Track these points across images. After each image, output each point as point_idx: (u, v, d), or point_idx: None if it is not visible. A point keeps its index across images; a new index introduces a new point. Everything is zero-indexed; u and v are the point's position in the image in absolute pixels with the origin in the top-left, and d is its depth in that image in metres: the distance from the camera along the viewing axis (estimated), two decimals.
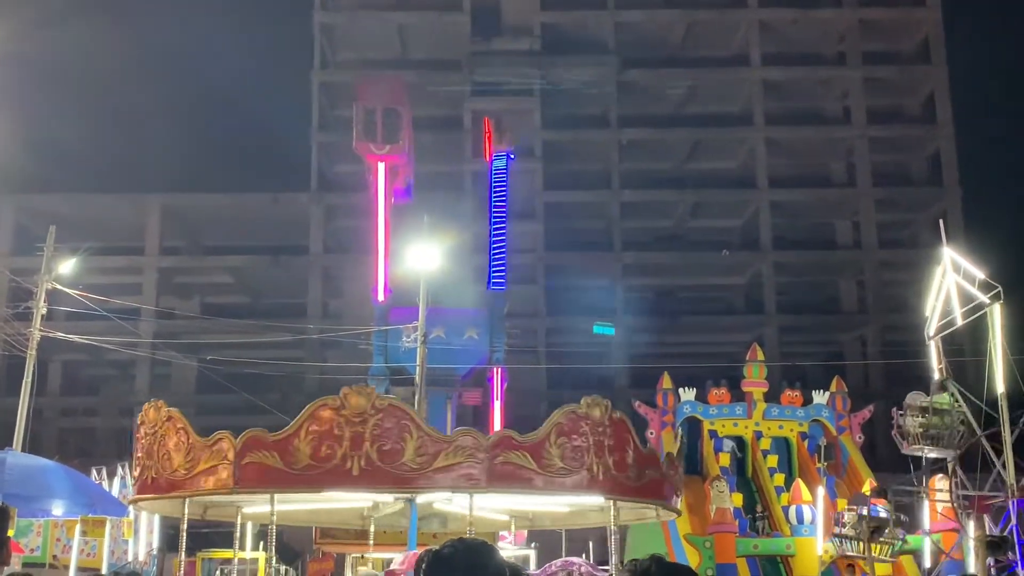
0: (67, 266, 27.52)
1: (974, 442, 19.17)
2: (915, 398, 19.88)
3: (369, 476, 10.92)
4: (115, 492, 22.50)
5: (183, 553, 12.52)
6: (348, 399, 11.08)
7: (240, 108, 60.45)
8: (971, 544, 18.43)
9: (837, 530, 19.85)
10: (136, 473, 12.13)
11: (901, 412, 19.98)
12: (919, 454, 19.84)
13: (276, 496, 11.97)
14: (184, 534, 12.31)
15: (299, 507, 14.30)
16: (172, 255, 54.04)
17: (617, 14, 55.75)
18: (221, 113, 62.97)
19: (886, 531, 18.67)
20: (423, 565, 2.87)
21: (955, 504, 19.12)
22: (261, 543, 27.60)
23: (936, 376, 20.57)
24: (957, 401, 19.77)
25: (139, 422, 12.03)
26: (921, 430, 19.31)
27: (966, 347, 28.42)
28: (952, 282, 20.31)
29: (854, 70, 55.34)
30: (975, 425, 19.26)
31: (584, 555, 23.50)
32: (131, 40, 62.23)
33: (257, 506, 13.74)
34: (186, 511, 12.38)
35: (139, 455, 12.34)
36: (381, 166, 37.08)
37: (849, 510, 19.63)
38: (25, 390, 24.44)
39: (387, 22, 55.85)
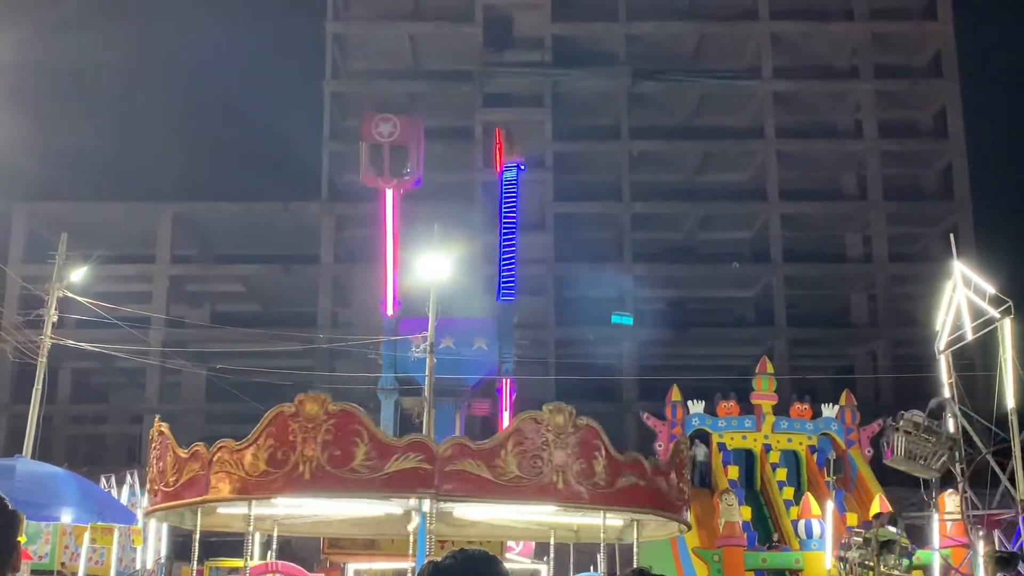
0: (78, 274, 27.63)
1: (981, 459, 19.08)
2: (912, 415, 19.81)
3: (319, 480, 10.98)
4: (124, 500, 22.54)
5: (195, 563, 12.53)
6: (303, 405, 11.17)
7: (252, 117, 60.66)
8: (980, 560, 18.33)
9: (840, 553, 19.74)
10: (147, 487, 12.26)
11: (893, 424, 19.93)
12: (898, 468, 19.82)
13: (300, 502, 12.15)
14: (196, 543, 12.33)
15: (325, 515, 14.26)
16: (183, 263, 54.19)
17: (629, 26, 55.84)
18: (232, 122, 63.19)
19: (895, 549, 18.58)
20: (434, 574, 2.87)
21: (965, 520, 19.05)
22: (269, 553, 27.61)
23: (945, 392, 20.49)
24: (956, 419, 19.67)
25: (149, 439, 12.15)
26: (909, 446, 19.23)
27: (976, 361, 28.30)
28: (963, 296, 20.26)
29: (866, 83, 55.30)
30: (980, 443, 19.18)
31: (592, 568, 23.43)
32: (143, 48, 62.57)
33: (293, 518, 13.86)
34: (198, 521, 12.41)
35: (149, 470, 12.51)
36: (389, 192, 37.14)
37: (856, 534, 19.51)
38: (35, 397, 24.53)
39: (399, 32, 56.04)
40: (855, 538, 19.22)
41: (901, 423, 19.51)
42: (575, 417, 11.48)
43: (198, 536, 12.45)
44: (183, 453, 11.86)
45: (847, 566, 19.02)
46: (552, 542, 15.49)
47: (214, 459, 11.44)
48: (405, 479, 10.97)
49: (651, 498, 12.07)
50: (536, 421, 11.36)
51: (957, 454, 19.16)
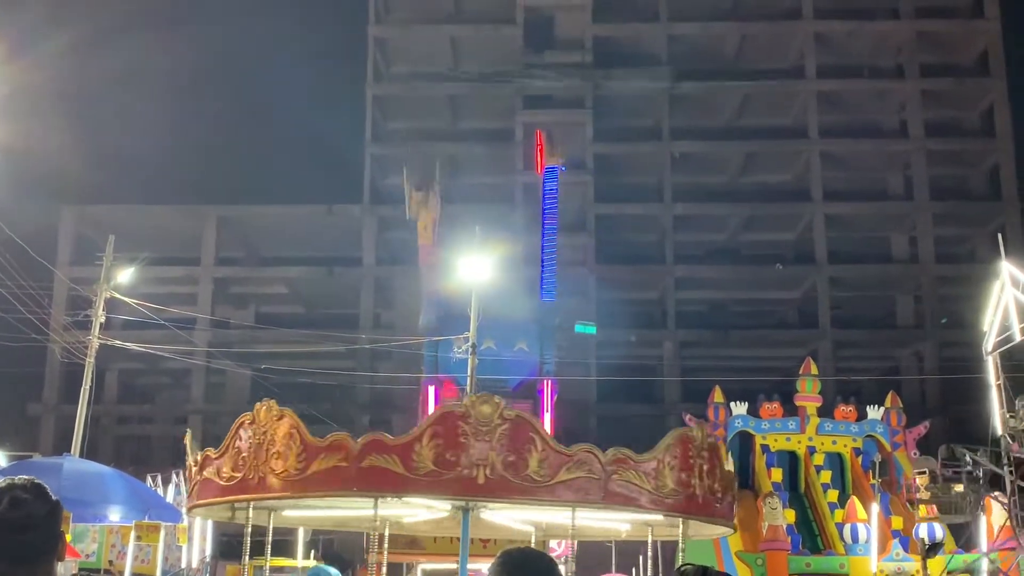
0: (125, 276, 28.00)
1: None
2: (924, 464, 19.64)
3: (493, 485, 10.84)
4: (169, 499, 22.79)
5: (246, 557, 12.60)
6: (475, 407, 10.96)
7: (295, 120, 61.22)
8: None
9: (914, 496, 19.61)
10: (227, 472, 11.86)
11: (1012, 414, 19.73)
12: (931, 521, 19.62)
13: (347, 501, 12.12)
14: (248, 539, 12.38)
15: (386, 512, 14.16)
16: (228, 266, 54.73)
17: (670, 26, 55.65)
18: (276, 125, 63.79)
19: (941, 550, 18.40)
20: (502, 566, 2.95)
21: (1014, 522, 18.78)
22: (312, 552, 27.83)
23: (996, 389, 20.20)
24: (971, 458, 19.46)
25: (246, 421, 11.84)
26: (933, 499, 19.06)
27: None
28: (1011, 297, 19.99)
29: (911, 82, 54.71)
30: (1000, 471, 18.94)
31: (633, 570, 23.39)
32: (189, 53, 63.25)
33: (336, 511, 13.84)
34: (250, 515, 12.40)
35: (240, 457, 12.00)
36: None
37: (919, 473, 19.35)
38: (83, 397, 24.88)
39: (440, 35, 56.26)
40: (920, 476, 19.14)
41: (917, 478, 19.41)
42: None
43: (249, 532, 12.51)
44: (318, 442, 11.44)
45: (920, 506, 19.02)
46: (571, 541, 15.37)
47: (363, 451, 11.05)
48: (575, 488, 10.88)
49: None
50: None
51: (983, 488, 19.02)
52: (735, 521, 13.61)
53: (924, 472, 19.38)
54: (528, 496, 10.87)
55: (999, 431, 19.54)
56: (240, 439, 11.69)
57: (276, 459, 11.23)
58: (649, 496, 11.01)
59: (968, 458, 19.34)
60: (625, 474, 10.85)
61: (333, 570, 13.03)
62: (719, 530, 13.21)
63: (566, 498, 10.88)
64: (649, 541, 13.61)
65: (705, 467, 11.40)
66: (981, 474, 19.11)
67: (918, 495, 19.30)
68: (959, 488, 18.89)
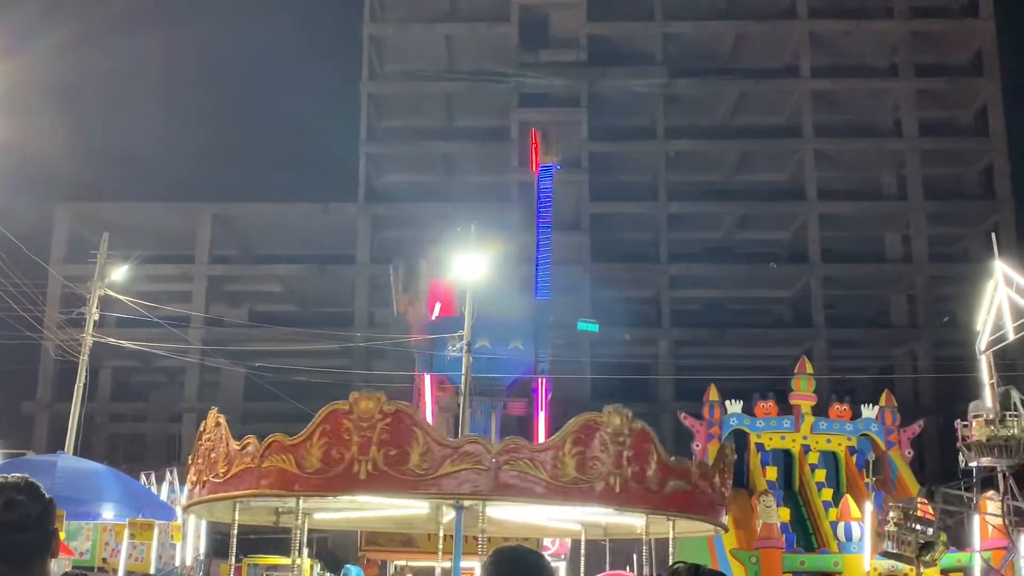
0: (119, 273, 27.94)
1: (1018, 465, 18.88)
2: (978, 407, 19.62)
3: (375, 480, 11.02)
4: (163, 496, 22.77)
5: (232, 558, 12.63)
6: (358, 403, 11.17)
7: (290, 118, 61.13)
8: (1022, 561, 18.11)
9: (882, 529, 19.67)
10: (191, 478, 12.37)
11: (965, 423, 19.74)
12: (987, 464, 19.55)
13: (342, 502, 12.22)
14: (235, 539, 12.43)
15: (369, 513, 14.33)
16: (222, 263, 54.67)
17: (665, 25, 55.67)
18: (271, 123, 63.71)
19: (935, 548, 18.44)
20: (495, 564, 2.92)
21: (1006, 521, 18.82)
22: (307, 549, 27.79)
23: (989, 388, 20.26)
24: (948, 502, 19.52)
25: (201, 430, 12.21)
26: (986, 441, 19.05)
27: (1018, 361, 27.95)
28: (1004, 296, 20.04)
29: (906, 82, 54.78)
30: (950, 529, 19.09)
31: (628, 568, 23.37)
32: (184, 50, 63.14)
33: (325, 512, 13.93)
34: (236, 516, 12.49)
35: (196, 461, 12.61)
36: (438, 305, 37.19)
37: (894, 507, 19.40)
38: (77, 395, 24.84)
39: (435, 33, 56.23)
40: (894, 511, 19.21)
41: (973, 420, 19.42)
42: (631, 420, 11.40)
43: (235, 532, 12.54)
44: (236, 445, 11.87)
45: (890, 541, 19.03)
46: (583, 540, 15.42)
47: (265, 453, 11.44)
48: (459, 480, 10.94)
49: (695, 502, 11.95)
50: (595, 423, 11.30)
51: (949, 527, 19.16)
52: (725, 519, 13.57)
53: (898, 507, 19.51)
54: (411, 490, 11.00)
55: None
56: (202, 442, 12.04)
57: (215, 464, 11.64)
58: (547, 485, 10.96)
59: (938, 498, 19.44)
60: (517, 464, 10.86)
61: (355, 568, 13.25)
62: (661, 522, 12.93)
63: (452, 490, 10.98)
64: (605, 539, 13.60)
65: (628, 454, 11.27)
66: (949, 520, 19.33)
67: (887, 527, 19.43)
68: (1015, 432, 18.94)
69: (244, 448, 11.70)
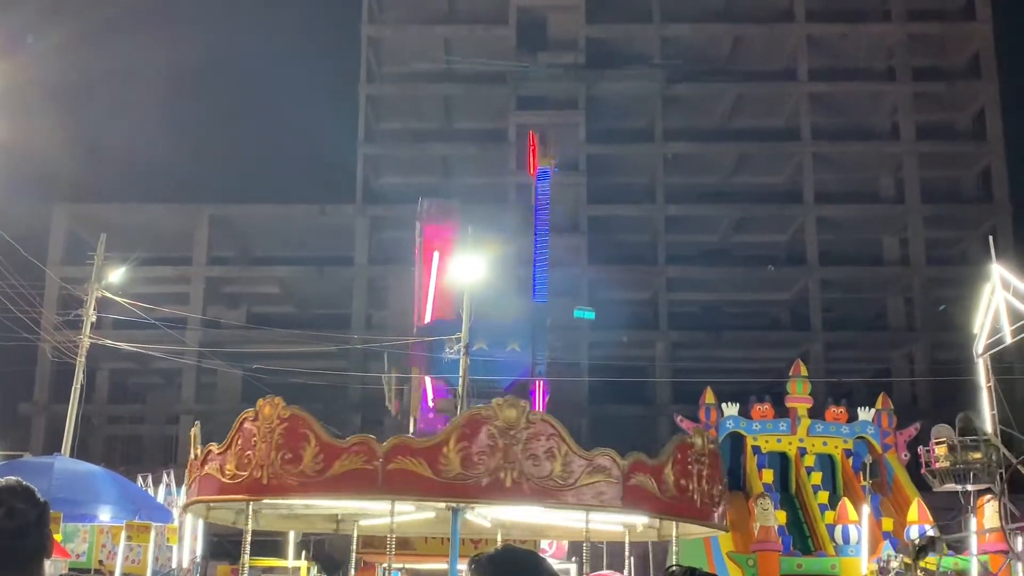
0: (116, 275, 27.93)
1: (1014, 467, 18.87)
2: (940, 431, 19.60)
3: (276, 484, 11.46)
4: (160, 499, 22.74)
5: (246, 556, 12.63)
6: (261, 410, 11.56)
7: (288, 120, 61.05)
8: (1020, 566, 18.12)
9: (934, 467, 19.56)
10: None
11: (927, 449, 19.77)
12: (951, 490, 19.57)
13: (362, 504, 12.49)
14: (248, 540, 12.44)
15: (400, 519, 14.39)
16: (220, 265, 54.65)
17: (663, 27, 55.72)
18: (269, 124, 63.64)
19: (937, 547, 18.47)
20: (482, 565, 2.91)
21: (1004, 527, 18.83)
22: (304, 552, 27.79)
23: (987, 391, 20.26)
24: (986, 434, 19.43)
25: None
26: (948, 466, 19.03)
27: (1015, 365, 28.00)
28: (1001, 299, 20.05)
29: (903, 85, 54.84)
30: (1008, 455, 18.97)
31: (624, 570, 23.36)
32: (181, 51, 63.10)
33: (367, 519, 14.24)
34: (249, 518, 12.52)
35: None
36: (436, 255, 37.19)
37: (938, 442, 19.34)
38: (74, 397, 24.83)
39: (433, 35, 56.27)
40: (937, 448, 19.13)
41: (934, 445, 19.37)
42: (529, 412, 11.26)
43: (250, 534, 12.54)
44: (199, 453, 12.42)
45: (939, 478, 18.99)
46: (586, 542, 15.38)
47: (206, 460, 11.98)
48: (351, 479, 11.16)
49: (626, 497, 11.62)
50: (480, 416, 11.21)
51: (995, 459, 18.97)
52: (721, 520, 13.52)
53: (943, 441, 19.33)
54: (303, 492, 11.27)
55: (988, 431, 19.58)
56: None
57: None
58: (430, 482, 11.04)
59: (978, 426, 19.37)
60: (403, 461, 10.96)
61: None
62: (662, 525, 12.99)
63: (344, 491, 11.13)
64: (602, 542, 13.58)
65: (525, 446, 11.26)
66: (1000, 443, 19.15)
67: (937, 464, 19.25)
68: (977, 456, 18.88)
69: (207, 456, 12.18)
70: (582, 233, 52.90)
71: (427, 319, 35.42)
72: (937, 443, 19.43)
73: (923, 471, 19.93)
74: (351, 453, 11.01)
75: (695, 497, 12.08)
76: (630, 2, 55.50)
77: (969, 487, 19.26)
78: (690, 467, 11.87)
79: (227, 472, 11.57)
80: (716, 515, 12.66)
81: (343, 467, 10.99)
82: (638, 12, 55.65)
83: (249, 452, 11.37)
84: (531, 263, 37.86)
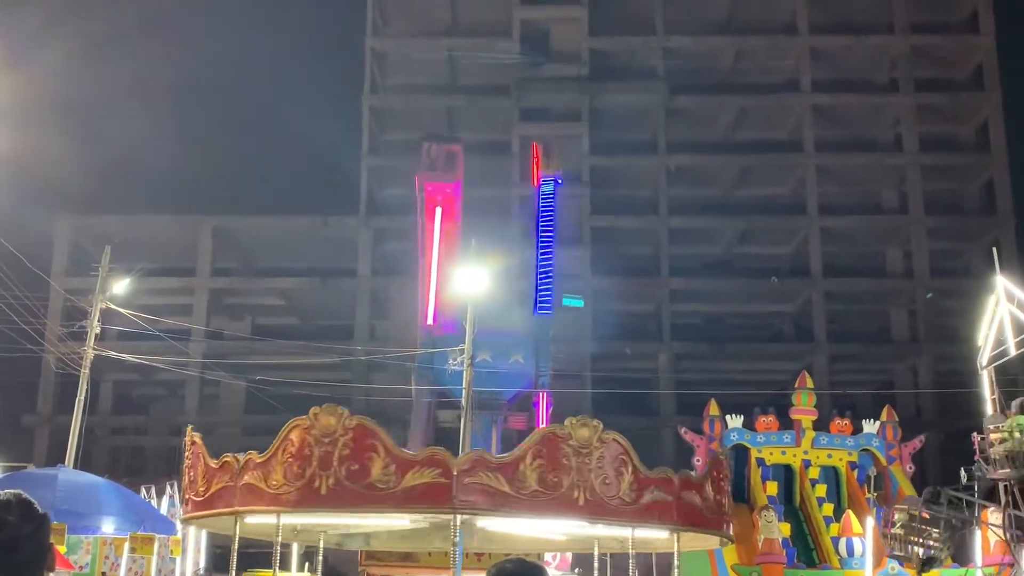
0: (121, 286, 27.97)
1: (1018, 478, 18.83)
2: (993, 421, 19.59)
3: (336, 495, 11.05)
4: (163, 510, 22.73)
5: (233, 572, 12.60)
6: (318, 419, 11.25)
7: (292, 131, 61.23)
8: None
9: (888, 531, 19.62)
10: (182, 494, 12.46)
11: (983, 436, 19.69)
12: (1000, 477, 19.49)
13: (357, 515, 12.32)
14: (235, 553, 12.42)
15: (390, 527, 14.37)
16: (223, 276, 54.68)
17: (666, 40, 55.81)
18: (273, 136, 63.81)
19: (939, 524, 18.45)
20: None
21: (1008, 536, 18.78)
22: (307, 564, 27.74)
23: (991, 403, 20.23)
24: (955, 505, 19.44)
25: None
26: (1005, 454, 18.99)
27: (1019, 377, 27.93)
28: (1005, 311, 20.03)
29: (906, 97, 54.88)
30: (958, 517, 19.01)
31: None
32: (186, 63, 63.29)
33: (346, 528, 14.05)
34: (236, 531, 12.49)
35: (184, 477, 12.74)
36: (439, 212, 37.31)
37: (899, 509, 19.34)
38: (78, 408, 24.84)
39: (437, 48, 56.39)
40: (898, 514, 19.11)
41: (988, 434, 19.37)
42: (600, 432, 11.46)
43: (237, 546, 12.52)
44: (214, 464, 12.01)
45: (897, 543, 18.94)
46: (596, 553, 15.40)
47: (243, 470, 11.55)
48: (423, 494, 11.01)
49: (672, 515, 11.94)
50: (555, 436, 11.36)
51: (953, 538, 19.08)
52: (730, 530, 13.55)
53: (903, 509, 19.46)
54: (375, 505, 11.10)
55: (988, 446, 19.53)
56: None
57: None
58: (507, 497, 11.03)
59: (944, 500, 19.35)
60: (481, 476, 10.95)
61: None
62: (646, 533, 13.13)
63: (415, 504, 11.12)
64: (594, 551, 13.57)
65: (596, 464, 11.38)
66: (956, 523, 19.22)
67: (892, 530, 19.35)
68: (935, 532, 18.88)
69: (222, 466, 11.83)
70: (585, 245, 52.92)
71: (430, 303, 35.42)
72: (898, 510, 19.57)
73: (976, 457, 19.88)
74: (424, 466, 10.94)
75: (727, 511, 12.75)
76: (633, 14, 55.61)
77: (1018, 473, 19.19)
78: (723, 483, 12.47)
79: (273, 482, 11.30)
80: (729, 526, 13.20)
81: (415, 480, 10.91)
82: (641, 24, 55.76)
83: (303, 462, 11.12)
84: (534, 275, 37.87)
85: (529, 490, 10.91)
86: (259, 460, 11.40)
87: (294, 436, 11.23)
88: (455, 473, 10.87)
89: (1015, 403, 19.95)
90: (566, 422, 11.40)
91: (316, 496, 10.98)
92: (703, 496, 12.34)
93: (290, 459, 11.12)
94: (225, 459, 11.85)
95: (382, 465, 10.87)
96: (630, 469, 11.35)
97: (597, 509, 11.19)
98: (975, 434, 20.21)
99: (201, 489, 12.22)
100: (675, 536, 12.52)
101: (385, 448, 11.01)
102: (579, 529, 13.83)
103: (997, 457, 19.15)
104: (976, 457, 19.90)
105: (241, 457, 11.66)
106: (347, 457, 10.92)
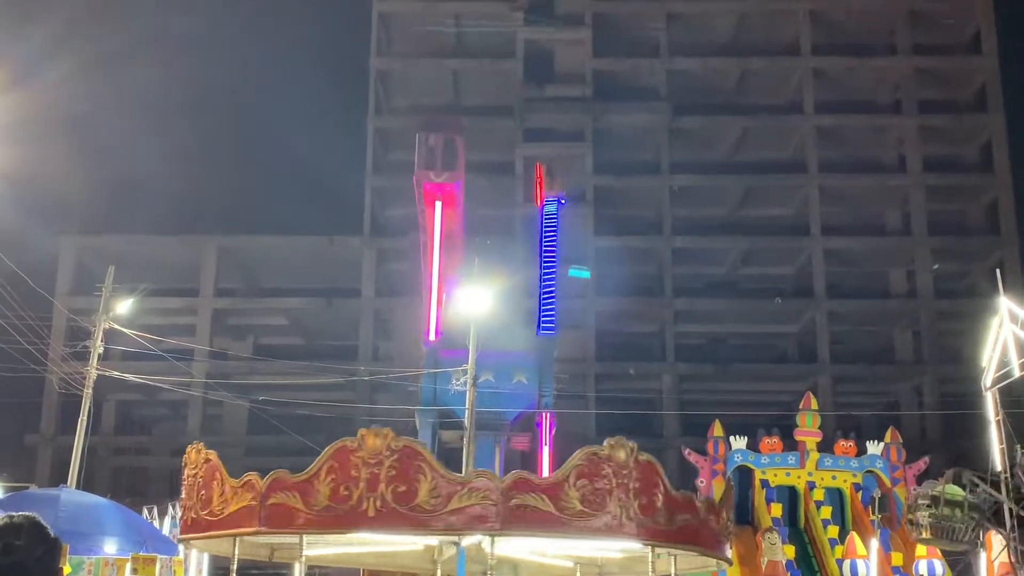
0: (124, 306, 28.00)
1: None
2: (927, 487, 19.45)
3: (384, 517, 10.99)
4: (166, 531, 22.67)
5: None
6: (365, 440, 11.21)
7: (296, 152, 61.44)
8: None
9: (909, 516, 19.42)
10: (181, 513, 12.38)
11: (912, 503, 19.61)
12: (931, 545, 19.41)
13: (338, 538, 12.18)
14: (234, 574, 12.36)
15: (362, 549, 14.30)
16: (227, 296, 54.72)
17: (669, 61, 56.00)
18: (277, 156, 64.01)
19: (964, 507, 18.28)
20: None
21: (1013, 560, 18.65)
22: None
23: (995, 425, 20.13)
24: (974, 489, 19.21)
25: (183, 463, 12.21)
26: (932, 521, 18.85)
27: None
28: (1009, 332, 19.95)
29: (909, 118, 54.98)
30: (995, 494, 18.80)
31: None
32: (190, 83, 63.56)
33: (320, 548, 13.85)
34: (235, 551, 12.42)
35: (183, 496, 12.66)
36: (438, 205, 37.34)
37: (921, 496, 19.16)
38: (80, 428, 24.81)
39: (441, 68, 56.60)
40: (920, 500, 18.91)
41: (918, 499, 19.20)
42: (636, 452, 11.50)
43: (235, 566, 12.46)
44: (235, 483, 11.83)
45: (918, 529, 18.76)
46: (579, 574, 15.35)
47: (269, 490, 11.40)
48: (467, 514, 10.95)
49: (699, 537, 12.08)
50: (597, 456, 11.38)
51: (986, 521, 18.80)
52: (730, 553, 13.54)
53: (927, 493, 19.19)
54: (420, 527, 11.04)
55: (998, 467, 19.42)
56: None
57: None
58: (551, 518, 10.99)
59: (967, 481, 19.15)
60: (526, 498, 10.92)
61: None
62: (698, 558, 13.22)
63: (460, 526, 11.01)
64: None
65: (634, 486, 11.37)
66: (981, 502, 18.92)
67: (918, 513, 19.09)
68: (959, 514, 18.67)
69: (244, 484, 11.67)
70: (589, 265, 52.89)
71: (431, 316, 35.33)
72: (921, 496, 19.33)
73: (903, 521, 19.78)
74: (470, 489, 10.94)
75: (732, 532, 13.05)
76: (637, 36, 55.83)
77: (948, 547, 19.07)
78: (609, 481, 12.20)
79: (315, 504, 11.29)
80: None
81: (461, 502, 10.92)
82: (645, 46, 55.96)
83: (349, 483, 11.10)
84: (537, 295, 37.85)
85: (574, 511, 10.94)
86: (294, 480, 11.33)
87: (340, 457, 11.20)
88: (501, 495, 10.85)
89: (947, 473, 19.68)
90: (605, 443, 11.43)
91: (363, 518, 10.91)
92: (719, 520, 12.46)
93: (334, 480, 11.09)
94: (248, 478, 11.74)
95: (429, 487, 10.87)
96: (661, 491, 11.39)
97: (641, 531, 11.24)
98: (906, 499, 20.09)
99: (217, 508, 12.00)
100: (672, 559, 12.52)
101: (432, 469, 11.00)
102: (598, 552, 13.82)
103: (924, 524, 18.96)
104: (903, 521, 19.77)
105: (264, 477, 11.60)
106: (394, 479, 10.91)
